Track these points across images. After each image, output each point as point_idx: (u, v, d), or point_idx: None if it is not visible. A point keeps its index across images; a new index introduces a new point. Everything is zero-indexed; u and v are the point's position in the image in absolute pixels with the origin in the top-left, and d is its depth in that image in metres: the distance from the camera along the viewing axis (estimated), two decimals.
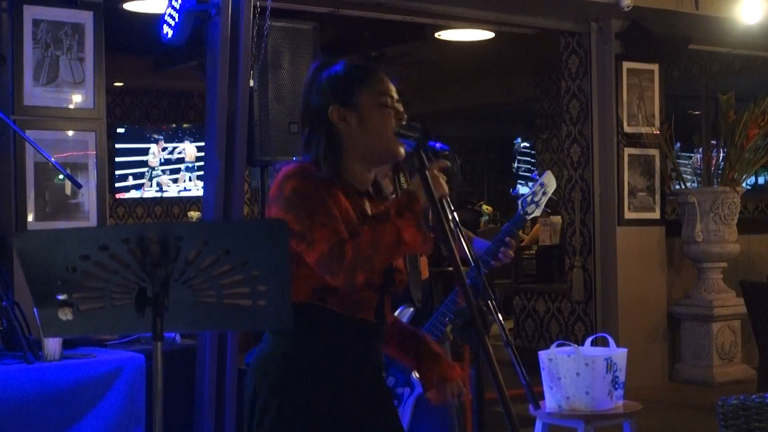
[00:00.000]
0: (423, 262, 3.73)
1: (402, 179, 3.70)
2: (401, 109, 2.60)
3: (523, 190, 15.14)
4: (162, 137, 12.51)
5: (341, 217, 2.46)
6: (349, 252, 2.37)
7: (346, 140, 2.57)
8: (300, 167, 2.53)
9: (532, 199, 3.69)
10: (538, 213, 3.72)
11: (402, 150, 2.53)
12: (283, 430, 2.48)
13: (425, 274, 3.77)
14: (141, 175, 12.40)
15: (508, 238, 3.61)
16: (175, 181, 12.57)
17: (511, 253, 3.63)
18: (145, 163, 12.42)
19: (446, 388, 2.67)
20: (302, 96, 2.66)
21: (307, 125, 2.61)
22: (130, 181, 12.33)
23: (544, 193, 3.69)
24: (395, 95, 2.60)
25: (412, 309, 3.61)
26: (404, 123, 2.54)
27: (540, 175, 3.76)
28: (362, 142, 2.57)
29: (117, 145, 12.11)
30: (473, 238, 3.93)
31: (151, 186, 12.46)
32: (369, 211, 2.58)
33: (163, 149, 12.46)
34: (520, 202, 3.71)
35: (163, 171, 12.50)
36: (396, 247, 2.39)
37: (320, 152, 2.55)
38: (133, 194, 12.44)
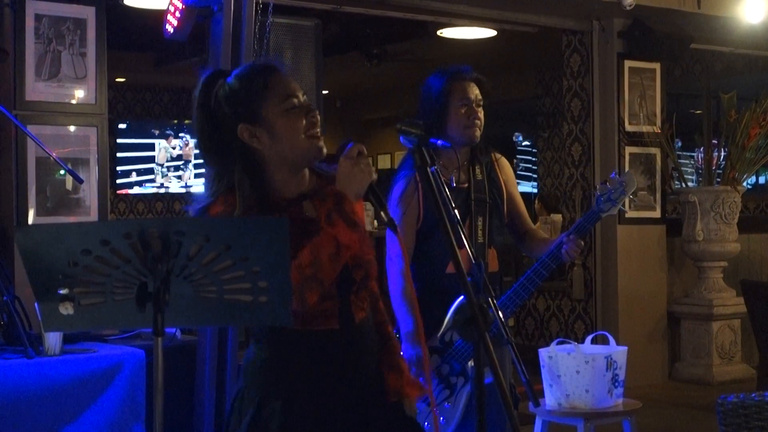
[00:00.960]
0: (492, 254, 3.72)
1: (477, 171, 3.72)
2: (304, 102, 2.51)
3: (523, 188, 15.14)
4: (172, 133, 12.47)
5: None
6: (294, 277, 2.29)
7: (263, 156, 2.49)
8: (224, 213, 2.44)
9: (609, 196, 3.62)
10: (614, 211, 3.65)
11: (316, 146, 2.48)
12: (261, 426, 2.49)
13: (494, 266, 3.76)
14: (145, 171, 12.38)
15: (568, 237, 3.56)
16: (179, 177, 12.56)
17: (576, 251, 3.55)
18: (149, 159, 12.39)
19: (403, 403, 2.61)
20: (194, 122, 2.53)
21: (214, 153, 2.51)
22: (134, 177, 12.32)
23: (622, 192, 3.63)
24: (297, 89, 2.51)
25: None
26: (406, 120, 2.53)
27: (620, 174, 3.70)
28: (278, 153, 2.49)
29: (118, 140, 12.10)
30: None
31: (160, 182, 12.41)
32: (314, 212, 2.52)
33: (173, 147, 12.43)
34: (595, 198, 3.65)
35: (168, 168, 12.48)
36: (337, 255, 2.37)
37: (237, 179, 2.46)
38: (138, 190, 12.41)
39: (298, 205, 2.52)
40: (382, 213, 2.36)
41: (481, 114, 3.68)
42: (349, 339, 2.54)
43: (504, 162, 3.88)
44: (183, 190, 12.62)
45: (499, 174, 3.82)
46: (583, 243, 3.63)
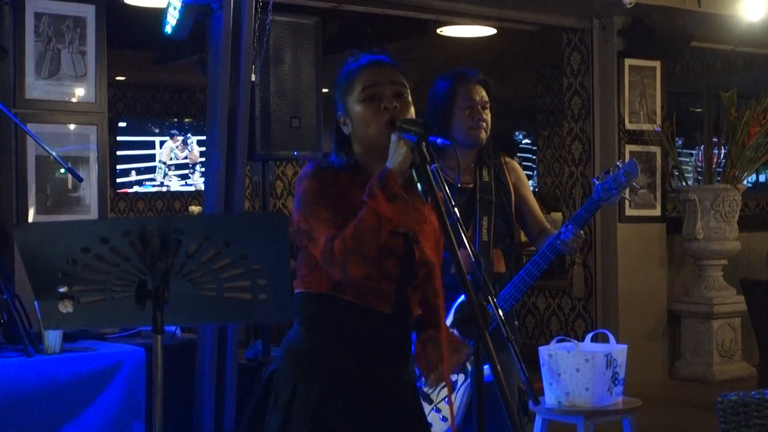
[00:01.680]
0: (497, 254, 3.71)
1: (484, 173, 3.71)
2: (389, 94, 2.60)
3: None
4: (177, 131, 12.44)
5: (351, 210, 2.50)
6: (337, 247, 2.43)
7: (352, 140, 2.66)
8: (313, 168, 2.62)
9: (609, 184, 3.55)
10: (614, 201, 3.59)
11: (391, 137, 2.53)
12: (294, 413, 2.54)
13: (500, 267, 3.75)
14: (146, 170, 12.35)
15: (566, 227, 3.53)
16: (184, 176, 12.53)
17: (575, 242, 3.52)
18: (149, 157, 12.36)
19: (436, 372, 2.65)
20: None
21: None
22: (134, 176, 12.30)
23: (624, 180, 3.54)
24: (380, 82, 2.61)
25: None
26: (406, 117, 2.55)
27: (623, 163, 3.59)
28: (359, 140, 2.64)
29: (118, 138, 12.09)
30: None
31: (160, 180, 12.39)
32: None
33: (178, 147, 12.40)
34: (594, 187, 3.59)
35: (169, 167, 12.46)
36: (379, 228, 2.44)
37: (335, 146, 2.68)
38: (138, 188, 12.39)
39: None
40: (418, 184, 2.39)
41: (487, 116, 3.66)
42: (395, 327, 2.60)
43: (514, 165, 3.88)
44: (184, 189, 12.61)
45: (507, 176, 3.81)
46: (582, 234, 3.59)
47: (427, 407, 3.46)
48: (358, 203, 2.49)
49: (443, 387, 3.55)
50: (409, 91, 2.66)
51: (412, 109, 2.64)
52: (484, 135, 3.65)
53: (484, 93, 3.68)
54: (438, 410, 3.52)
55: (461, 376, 3.55)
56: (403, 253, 2.59)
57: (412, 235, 2.61)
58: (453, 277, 2.35)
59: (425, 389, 3.49)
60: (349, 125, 2.65)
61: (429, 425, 2.76)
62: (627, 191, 3.65)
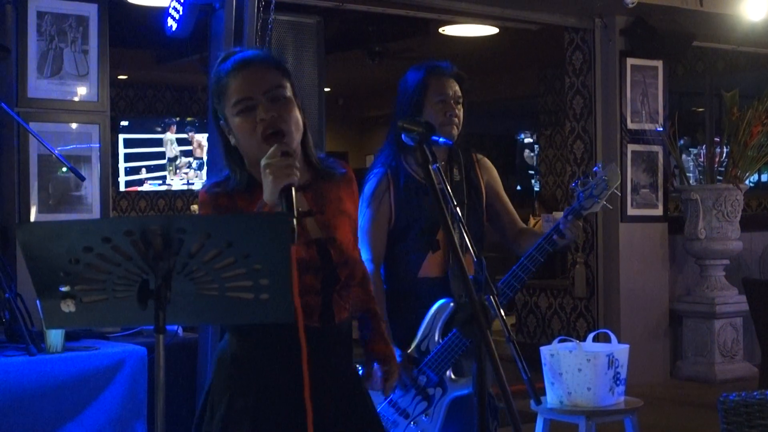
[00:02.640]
0: (468, 261, 3.59)
1: (455, 172, 3.55)
2: (264, 104, 2.44)
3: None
4: (174, 122, 12.42)
5: None
6: None
7: (240, 150, 2.53)
8: (208, 194, 2.51)
9: (591, 192, 3.38)
10: (596, 209, 3.41)
11: (266, 148, 2.39)
12: (232, 428, 2.48)
13: (470, 272, 3.66)
14: (147, 169, 12.35)
15: (565, 219, 3.34)
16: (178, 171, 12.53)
17: (575, 231, 3.33)
18: (151, 156, 12.34)
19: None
20: None
21: (219, 138, 2.59)
22: (136, 175, 12.30)
23: (605, 187, 3.38)
24: (253, 93, 2.45)
25: (452, 304, 3.42)
26: (408, 117, 2.54)
27: (603, 168, 3.44)
28: (244, 152, 2.52)
29: (121, 137, 12.08)
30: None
31: (164, 175, 12.37)
32: (305, 205, 2.52)
33: (177, 140, 12.37)
34: (576, 194, 3.41)
35: (177, 165, 12.44)
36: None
37: (226, 160, 2.54)
38: (140, 187, 12.38)
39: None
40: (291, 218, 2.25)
41: (459, 111, 3.50)
42: (325, 339, 2.51)
43: (486, 162, 3.70)
44: (186, 188, 12.61)
45: (479, 175, 3.65)
46: (581, 224, 3.46)
47: (404, 422, 3.43)
48: None
49: (419, 402, 3.48)
50: (288, 85, 2.50)
51: (295, 106, 2.48)
52: (455, 131, 3.49)
53: (457, 87, 3.52)
54: (416, 425, 3.46)
55: (438, 390, 3.48)
56: (320, 263, 2.49)
57: (325, 237, 2.50)
58: None
59: (399, 403, 3.45)
60: (232, 132, 2.50)
61: (382, 430, 2.66)
62: (608, 196, 3.44)
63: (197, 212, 2.62)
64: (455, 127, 3.50)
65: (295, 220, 2.19)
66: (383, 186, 3.49)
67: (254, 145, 2.45)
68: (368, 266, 3.32)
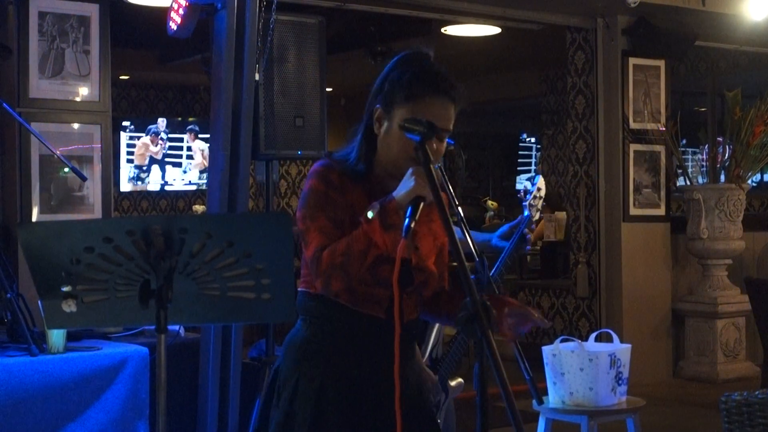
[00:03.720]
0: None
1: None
2: (434, 140, 2.49)
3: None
4: (196, 129, 12.33)
5: (350, 219, 2.48)
6: (325, 259, 2.43)
7: (378, 141, 2.61)
8: (324, 166, 2.59)
9: (531, 203, 3.64)
10: (537, 216, 3.66)
11: (409, 169, 2.46)
12: (296, 409, 2.55)
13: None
14: (149, 169, 12.33)
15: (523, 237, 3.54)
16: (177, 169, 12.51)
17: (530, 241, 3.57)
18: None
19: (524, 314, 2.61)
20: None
21: (365, 111, 2.67)
22: (137, 175, 12.27)
23: (539, 197, 3.65)
24: (441, 123, 2.52)
25: None
26: (410, 118, 2.53)
27: (532, 180, 3.73)
28: (383, 149, 2.60)
29: (122, 138, 12.06)
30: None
31: (164, 179, 12.36)
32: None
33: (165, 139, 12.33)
34: (526, 204, 3.65)
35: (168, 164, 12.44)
36: (367, 252, 2.42)
37: (358, 145, 2.62)
38: (142, 187, 12.37)
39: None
40: (406, 219, 2.35)
41: None
42: (389, 333, 2.52)
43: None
44: (187, 188, 12.60)
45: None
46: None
47: None
48: (359, 212, 2.47)
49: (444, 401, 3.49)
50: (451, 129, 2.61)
51: (443, 148, 2.60)
52: None
53: None
54: None
55: (443, 395, 3.49)
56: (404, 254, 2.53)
57: (410, 242, 2.56)
58: None
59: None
60: (384, 127, 2.59)
61: (438, 428, 2.72)
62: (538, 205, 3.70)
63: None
64: None
65: (413, 225, 2.32)
66: None
67: (400, 156, 2.53)
68: None
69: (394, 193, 2.42)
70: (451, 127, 2.58)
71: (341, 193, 2.54)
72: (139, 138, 12.09)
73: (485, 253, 3.49)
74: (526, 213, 3.66)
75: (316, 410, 2.53)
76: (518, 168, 15.59)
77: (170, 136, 12.29)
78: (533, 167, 14.87)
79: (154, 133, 12.17)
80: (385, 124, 2.58)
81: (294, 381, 2.57)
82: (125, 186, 12.04)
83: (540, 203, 3.69)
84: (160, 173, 12.28)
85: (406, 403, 2.60)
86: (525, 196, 3.69)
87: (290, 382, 2.58)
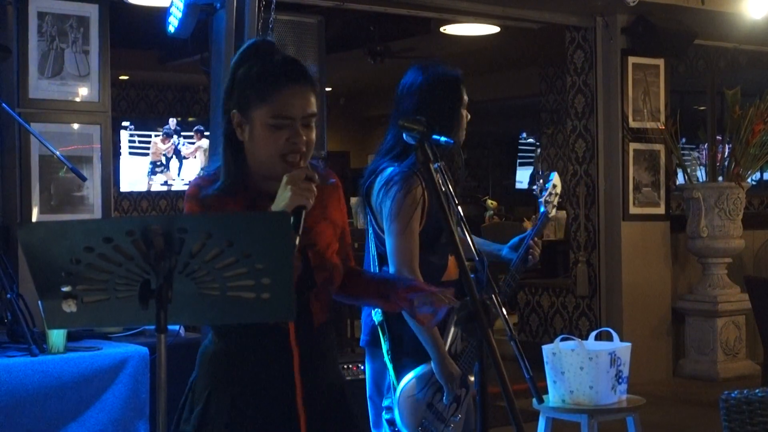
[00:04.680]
0: (451, 261, 3.59)
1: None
2: (298, 129, 2.41)
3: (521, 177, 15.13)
4: (202, 129, 12.35)
5: None
6: None
7: (245, 147, 2.48)
8: (195, 187, 2.49)
9: (546, 200, 3.64)
10: (553, 212, 3.67)
11: (287, 170, 2.37)
12: (209, 421, 2.49)
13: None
14: (150, 169, 12.37)
15: (533, 240, 3.54)
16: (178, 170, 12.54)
17: (537, 253, 3.56)
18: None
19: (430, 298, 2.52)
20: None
21: (223, 119, 2.51)
22: (137, 175, 12.28)
23: (555, 194, 3.67)
24: (294, 115, 2.41)
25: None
26: (408, 117, 2.52)
27: (547, 177, 3.71)
28: (252, 154, 2.48)
29: (122, 138, 12.08)
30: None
31: (164, 179, 12.38)
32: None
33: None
34: (542, 201, 3.66)
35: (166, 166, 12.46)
36: None
37: (224, 156, 2.50)
38: (142, 188, 12.39)
39: (269, 200, 2.42)
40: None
41: None
42: (305, 341, 2.50)
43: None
44: (186, 188, 12.61)
45: None
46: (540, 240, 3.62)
47: (440, 425, 3.40)
48: None
49: (451, 404, 3.45)
50: (316, 111, 2.48)
51: (314, 134, 2.46)
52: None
53: None
54: (452, 427, 3.44)
55: (463, 390, 3.46)
56: (298, 266, 2.45)
57: (305, 242, 2.45)
58: None
59: (438, 407, 3.43)
60: (246, 132, 2.46)
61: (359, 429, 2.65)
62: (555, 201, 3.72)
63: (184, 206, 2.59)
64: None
65: (298, 239, 2.23)
66: (419, 192, 3.36)
67: (270, 157, 2.43)
68: (406, 273, 3.28)
69: (273, 207, 2.31)
70: (315, 110, 2.45)
71: (220, 210, 2.44)
72: (143, 137, 12.16)
73: (494, 262, 3.52)
74: (542, 209, 3.67)
75: (230, 421, 2.46)
76: (517, 168, 15.61)
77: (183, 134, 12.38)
78: (533, 167, 14.88)
79: (165, 134, 12.24)
80: (247, 129, 2.45)
81: (207, 393, 2.51)
82: (139, 185, 12.15)
83: (556, 199, 3.69)
84: (178, 165, 12.38)
85: (321, 405, 2.52)
86: (540, 193, 3.67)
87: (203, 394, 2.52)
